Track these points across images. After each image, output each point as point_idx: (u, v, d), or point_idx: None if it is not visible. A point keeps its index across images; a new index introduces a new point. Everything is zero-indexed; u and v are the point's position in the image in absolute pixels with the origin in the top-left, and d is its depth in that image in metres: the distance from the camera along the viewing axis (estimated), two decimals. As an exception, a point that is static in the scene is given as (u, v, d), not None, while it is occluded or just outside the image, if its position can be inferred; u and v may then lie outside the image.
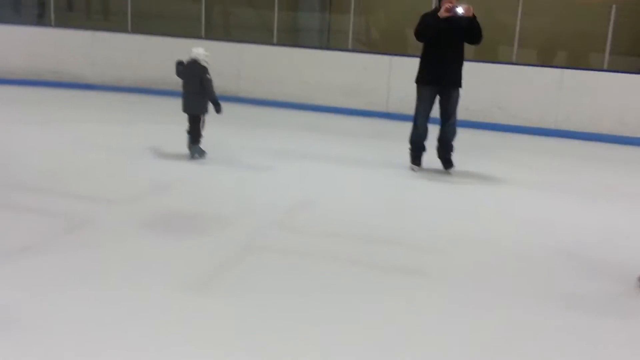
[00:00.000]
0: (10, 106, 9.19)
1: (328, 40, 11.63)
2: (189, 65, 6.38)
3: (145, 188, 5.62)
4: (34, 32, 10.97)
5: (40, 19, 11.88)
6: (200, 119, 6.40)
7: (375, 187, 6.21)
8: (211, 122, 6.64)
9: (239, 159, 6.84)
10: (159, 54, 10.51)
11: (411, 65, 9.05)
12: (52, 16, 11.30)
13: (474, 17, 6.29)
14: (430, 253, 4.51)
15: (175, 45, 10.30)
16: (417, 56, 6.67)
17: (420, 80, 6.60)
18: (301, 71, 10.26)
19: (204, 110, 6.41)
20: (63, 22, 11.44)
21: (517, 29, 9.55)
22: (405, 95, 9.38)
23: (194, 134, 6.45)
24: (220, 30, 12.03)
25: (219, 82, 6.86)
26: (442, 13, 6.21)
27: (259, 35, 11.03)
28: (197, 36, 10.74)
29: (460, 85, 6.60)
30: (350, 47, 10.34)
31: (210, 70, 6.46)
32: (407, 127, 6.78)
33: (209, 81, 6.34)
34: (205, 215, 5.05)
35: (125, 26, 11.04)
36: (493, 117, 9.51)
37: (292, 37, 11.76)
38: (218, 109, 6.39)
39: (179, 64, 6.47)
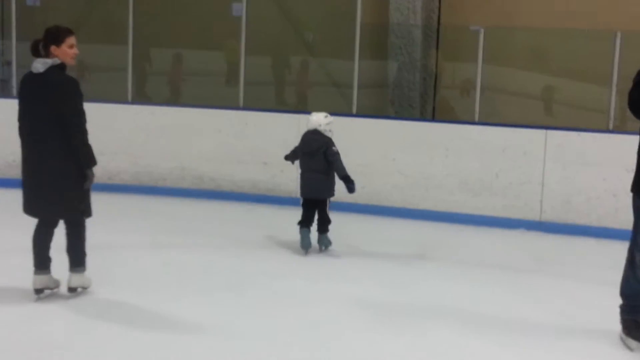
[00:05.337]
0: None
1: (434, 107, 8.21)
2: (309, 139, 5.64)
3: None
4: None
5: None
6: (327, 204, 5.69)
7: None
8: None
9: (302, 330, 3.96)
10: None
11: (580, 143, 6.46)
12: None
13: None
14: None
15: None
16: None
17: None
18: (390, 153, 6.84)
19: (331, 192, 5.66)
20: None
21: None
22: (569, 194, 6.46)
23: (323, 222, 5.65)
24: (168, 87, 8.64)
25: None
26: None
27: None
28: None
29: None
30: (476, 119, 6.87)
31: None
32: (575, 248, 5.62)
33: (336, 155, 5.57)
34: None
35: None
36: None
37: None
38: (352, 188, 5.55)
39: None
